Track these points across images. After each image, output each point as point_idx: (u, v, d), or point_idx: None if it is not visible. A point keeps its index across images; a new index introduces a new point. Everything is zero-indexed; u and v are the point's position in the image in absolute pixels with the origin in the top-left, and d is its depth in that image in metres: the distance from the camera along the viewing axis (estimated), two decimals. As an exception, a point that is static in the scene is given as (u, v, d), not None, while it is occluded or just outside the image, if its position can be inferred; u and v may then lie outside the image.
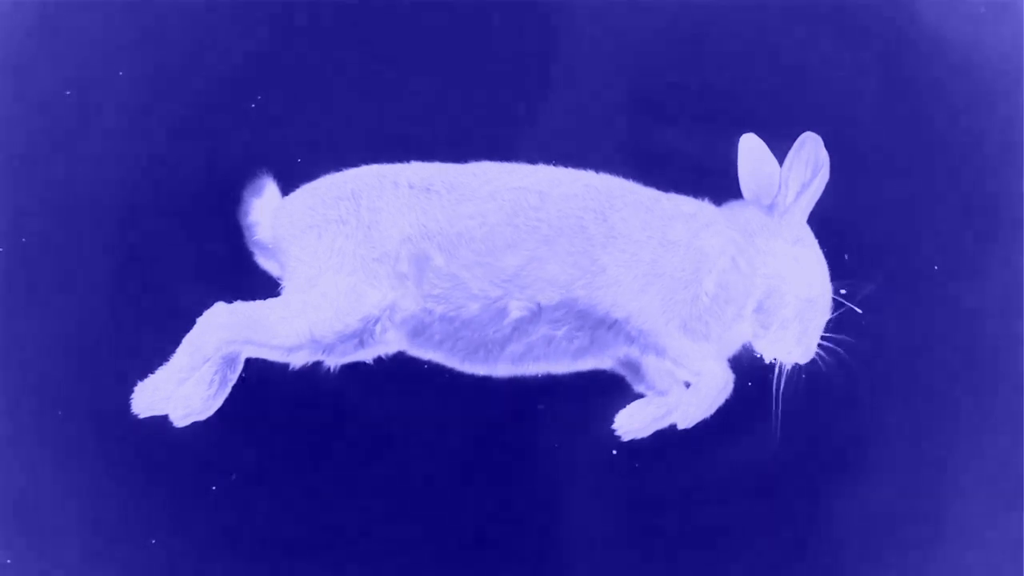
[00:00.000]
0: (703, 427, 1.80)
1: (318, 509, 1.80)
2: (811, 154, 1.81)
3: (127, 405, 1.79)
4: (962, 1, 1.98)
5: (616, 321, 1.77)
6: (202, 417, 1.78)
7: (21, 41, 1.91)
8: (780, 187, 1.83)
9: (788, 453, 1.82)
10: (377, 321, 1.76)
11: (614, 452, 1.81)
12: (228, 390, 1.79)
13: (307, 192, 1.86)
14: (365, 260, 1.76)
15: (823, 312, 1.83)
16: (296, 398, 1.81)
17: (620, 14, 1.96)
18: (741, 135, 1.87)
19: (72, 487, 1.80)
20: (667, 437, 1.81)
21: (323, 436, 1.81)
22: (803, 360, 1.82)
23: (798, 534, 1.82)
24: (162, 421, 1.79)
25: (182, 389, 1.77)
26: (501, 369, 1.82)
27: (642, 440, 1.80)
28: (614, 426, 1.80)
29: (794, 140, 1.83)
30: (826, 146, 1.83)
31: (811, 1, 1.98)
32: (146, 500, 1.79)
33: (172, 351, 1.79)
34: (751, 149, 1.86)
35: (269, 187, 1.86)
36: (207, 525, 1.79)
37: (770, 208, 1.84)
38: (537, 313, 1.76)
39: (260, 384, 1.81)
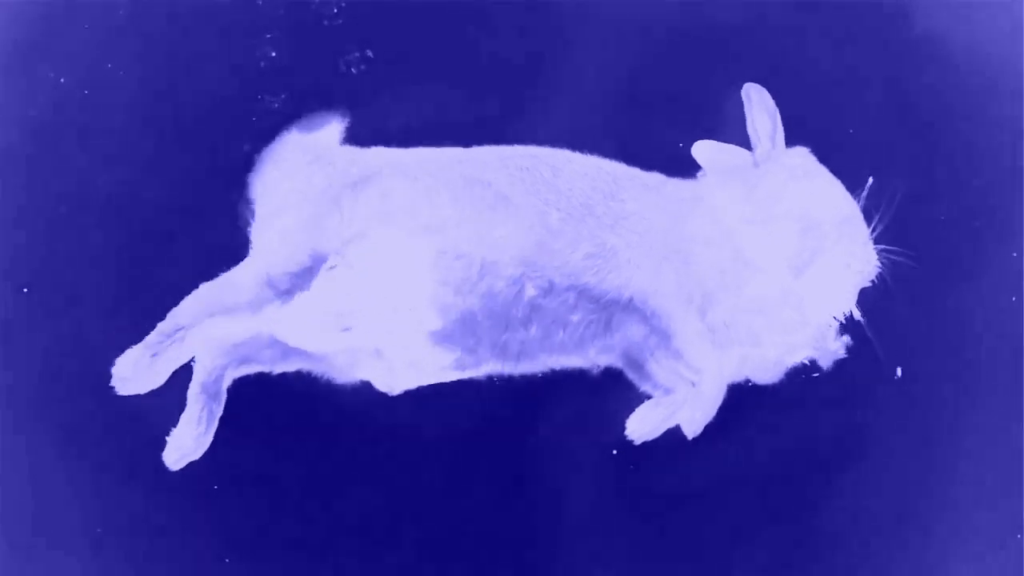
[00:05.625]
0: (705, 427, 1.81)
1: (318, 509, 1.80)
2: (760, 101, 1.84)
3: (127, 404, 1.80)
4: (962, 1, 1.99)
5: (631, 300, 1.77)
6: (195, 456, 1.78)
7: (21, 41, 1.91)
8: (754, 144, 1.85)
9: (788, 453, 1.82)
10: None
11: (614, 452, 1.81)
12: (215, 425, 1.79)
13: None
14: (338, 187, 1.77)
15: (860, 221, 1.82)
16: (296, 400, 1.81)
17: (620, 14, 1.97)
18: (737, 132, 1.87)
19: (71, 485, 1.80)
20: (668, 437, 1.81)
21: (323, 436, 1.81)
22: (871, 273, 1.81)
23: (798, 534, 1.82)
24: (161, 420, 1.80)
25: (174, 432, 1.78)
26: (535, 362, 1.82)
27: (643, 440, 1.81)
28: (626, 432, 1.80)
29: (793, 140, 1.84)
30: (825, 146, 1.85)
31: (811, 1, 1.98)
32: (146, 499, 1.79)
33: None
34: (758, 99, 1.86)
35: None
36: (207, 524, 1.79)
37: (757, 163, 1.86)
38: (549, 290, 1.76)
39: (261, 385, 1.82)
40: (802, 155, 1.86)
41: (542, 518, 1.80)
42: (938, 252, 1.89)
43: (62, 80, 1.90)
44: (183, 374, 1.80)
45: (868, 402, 1.85)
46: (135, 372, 1.78)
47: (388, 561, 1.79)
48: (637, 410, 1.81)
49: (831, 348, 1.85)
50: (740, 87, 1.88)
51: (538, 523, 1.80)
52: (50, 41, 1.91)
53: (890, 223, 1.85)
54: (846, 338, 1.85)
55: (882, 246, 1.83)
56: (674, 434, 1.81)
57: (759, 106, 1.84)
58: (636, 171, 1.85)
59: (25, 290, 1.84)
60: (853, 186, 1.86)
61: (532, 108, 1.92)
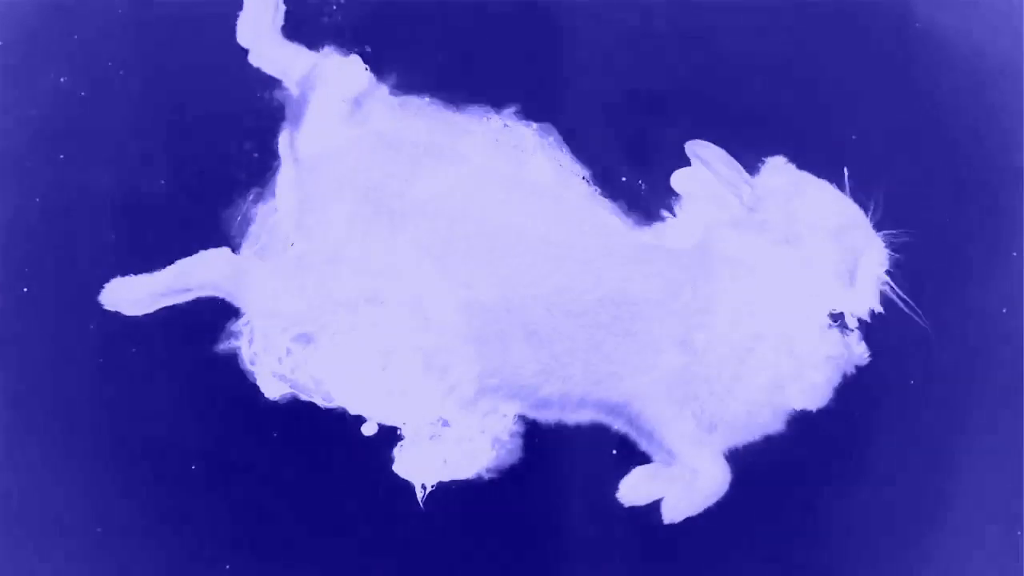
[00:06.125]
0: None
1: (318, 510, 1.80)
2: (712, 157, 1.78)
3: (126, 404, 1.80)
4: (962, 1, 1.98)
5: (627, 412, 1.77)
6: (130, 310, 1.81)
7: (21, 41, 1.91)
8: (735, 194, 1.79)
9: (788, 453, 1.82)
10: None
11: (614, 452, 1.81)
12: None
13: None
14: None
15: (862, 220, 1.81)
16: (296, 409, 1.82)
17: (622, 16, 1.96)
18: (739, 132, 1.87)
19: (70, 485, 1.80)
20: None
21: (320, 435, 1.81)
22: (885, 263, 1.81)
23: (798, 533, 1.82)
24: (161, 420, 1.81)
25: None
26: None
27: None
28: (618, 494, 1.79)
29: (794, 140, 1.84)
30: (825, 146, 1.86)
31: (812, 2, 1.98)
32: (146, 498, 1.80)
33: (168, 349, 1.82)
34: (709, 156, 1.80)
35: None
36: (207, 524, 1.79)
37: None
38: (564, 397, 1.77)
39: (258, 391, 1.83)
40: (781, 167, 1.84)
41: (541, 516, 1.80)
42: (938, 252, 1.89)
43: (62, 80, 1.90)
44: (183, 383, 1.82)
45: (869, 402, 1.85)
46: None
47: (388, 559, 1.79)
48: (633, 474, 1.80)
49: (856, 353, 1.83)
50: (741, 87, 1.88)
51: (537, 521, 1.80)
52: (50, 41, 1.91)
53: (890, 223, 1.85)
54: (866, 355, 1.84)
55: (884, 232, 1.83)
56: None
57: (715, 162, 1.78)
58: (647, 270, 1.77)
59: (25, 290, 1.84)
60: (853, 184, 1.87)
61: (531, 106, 1.92)
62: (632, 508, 1.80)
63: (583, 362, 1.73)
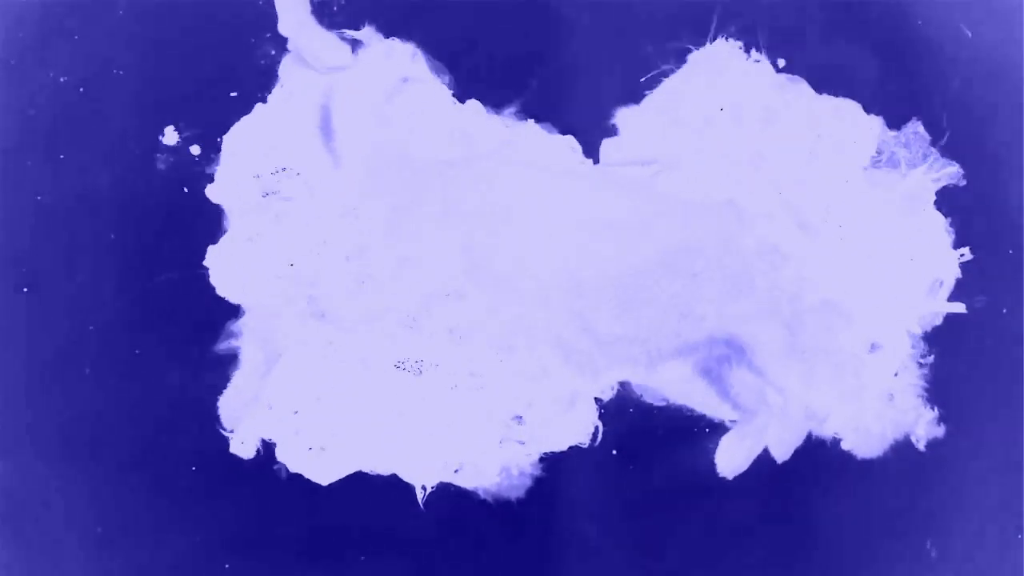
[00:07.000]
0: (704, 426, 1.81)
1: (318, 510, 1.80)
2: None
3: (126, 404, 1.80)
4: (962, 1, 1.98)
5: (723, 340, 1.79)
6: None
7: (21, 41, 1.91)
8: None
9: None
10: None
11: (614, 452, 1.81)
12: None
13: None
14: None
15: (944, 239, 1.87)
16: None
17: (623, 15, 1.96)
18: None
19: (71, 485, 1.80)
20: (667, 438, 1.82)
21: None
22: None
23: (799, 533, 1.82)
24: (161, 420, 1.80)
25: None
26: None
27: (643, 440, 1.81)
28: (718, 470, 1.79)
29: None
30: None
31: (812, 2, 1.98)
32: (146, 499, 1.80)
33: (168, 349, 1.81)
34: None
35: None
36: (207, 524, 1.79)
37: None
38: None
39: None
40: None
41: (542, 516, 1.80)
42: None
43: (62, 80, 1.90)
44: (183, 383, 1.82)
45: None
46: None
47: (389, 559, 1.79)
48: (722, 445, 1.79)
49: (923, 425, 1.84)
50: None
51: (537, 521, 1.80)
52: (50, 41, 1.91)
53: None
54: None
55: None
56: (672, 434, 1.81)
57: None
58: (702, 223, 1.82)
59: (25, 290, 1.84)
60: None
61: (535, 103, 1.92)
62: (631, 508, 1.80)
63: (669, 311, 1.77)
